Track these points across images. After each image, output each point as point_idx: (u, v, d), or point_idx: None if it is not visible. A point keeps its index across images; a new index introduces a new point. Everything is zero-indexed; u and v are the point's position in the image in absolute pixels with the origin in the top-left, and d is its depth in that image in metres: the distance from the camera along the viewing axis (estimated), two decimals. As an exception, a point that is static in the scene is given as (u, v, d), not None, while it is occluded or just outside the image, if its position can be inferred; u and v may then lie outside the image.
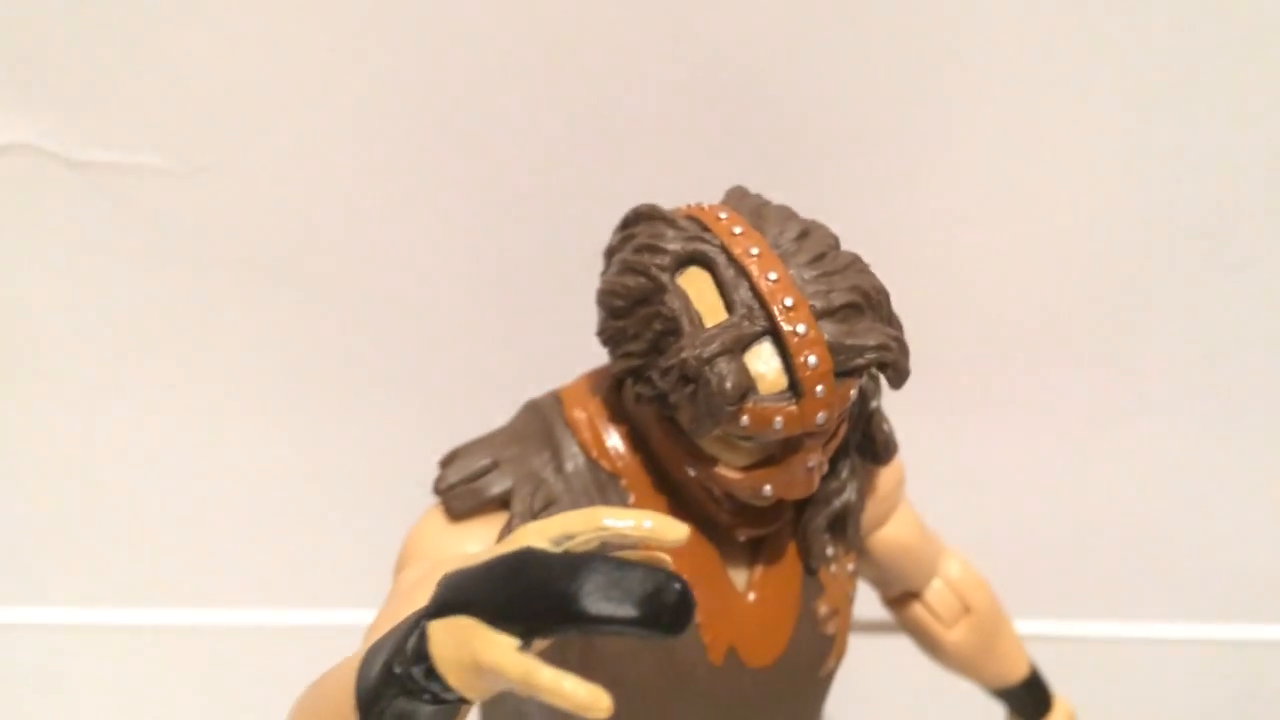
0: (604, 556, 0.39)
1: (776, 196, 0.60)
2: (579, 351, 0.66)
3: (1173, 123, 0.89)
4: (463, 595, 0.40)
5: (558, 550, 0.40)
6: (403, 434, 0.92)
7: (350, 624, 0.63)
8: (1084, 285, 0.94)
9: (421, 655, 0.41)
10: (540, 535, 0.41)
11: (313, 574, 0.95)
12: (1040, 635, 0.87)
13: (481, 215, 0.88)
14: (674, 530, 0.41)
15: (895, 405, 0.70)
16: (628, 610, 0.37)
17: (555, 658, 0.59)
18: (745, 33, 0.83)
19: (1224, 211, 0.92)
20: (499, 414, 0.65)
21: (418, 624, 0.42)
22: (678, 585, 0.38)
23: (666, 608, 0.38)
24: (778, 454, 0.56)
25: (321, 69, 0.83)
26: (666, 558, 0.43)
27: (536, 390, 0.65)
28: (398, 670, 0.42)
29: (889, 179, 0.90)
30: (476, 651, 0.39)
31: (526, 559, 0.40)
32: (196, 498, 0.96)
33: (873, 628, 0.84)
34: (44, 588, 0.98)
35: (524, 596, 0.39)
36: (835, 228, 0.58)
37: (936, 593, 0.77)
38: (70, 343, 0.91)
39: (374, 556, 0.67)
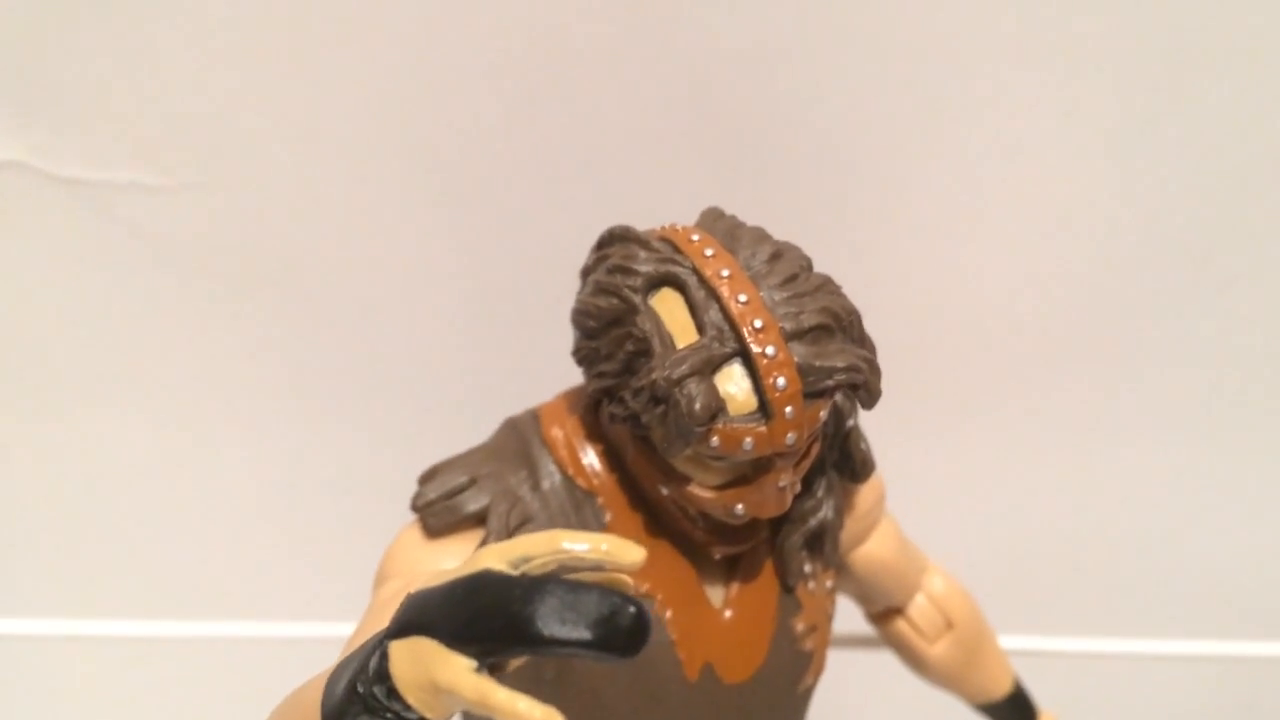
0: (560, 579, 0.39)
1: (761, 212, 0.60)
2: (559, 369, 0.67)
3: (1164, 137, 0.89)
4: (422, 616, 0.41)
5: (516, 573, 0.41)
6: (385, 449, 0.92)
7: (331, 636, 0.63)
8: (1071, 301, 0.94)
9: (383, 675, 0.41)
10: (499, 558, 0.41)
11: (294, 587, 0.96)
12: (1025, 650, 0.87)
13: (465, 233, 0.89)
14: (631, 553, 0.41)
15: (881, 419, 0.71)
16: (582, 633, 0.38)
17: (530, 675, 0.59)
18: (729, 50, 0.84)
19: (1214, 226, 0.92)
20: (480, 430, 0.65)
21: (380, 644, 0.42)
22: (633, 608, 0.38)
23: (621, 630, 0.38)
24: (749, 473, 0.57)
25: (308, 88, 0.84)
26: (628, 580, 0.43)
27: (517, 407, 0.66)
28: (360, 689, 0.42)
29: (876, 195, 0.90)
30: (433, 672, 0.39)
31: (484, 581, 0.40)
32: (178, 510, 0.98)
33: (856, 642, 0.84)
34: (27, 599, 0.99)
35: (481, 618, 0.39)
36: (821, 244, 0.59)
37: (919, 608, 0.77)
38: (60, 356, 0.92)
39: (356, 570, 0.67)
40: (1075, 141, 0.89)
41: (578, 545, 0.41)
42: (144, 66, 0.83)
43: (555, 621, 0.38)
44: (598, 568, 0.42)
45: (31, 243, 0.88)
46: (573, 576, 0.42)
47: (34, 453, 0.95)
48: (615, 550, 0.41)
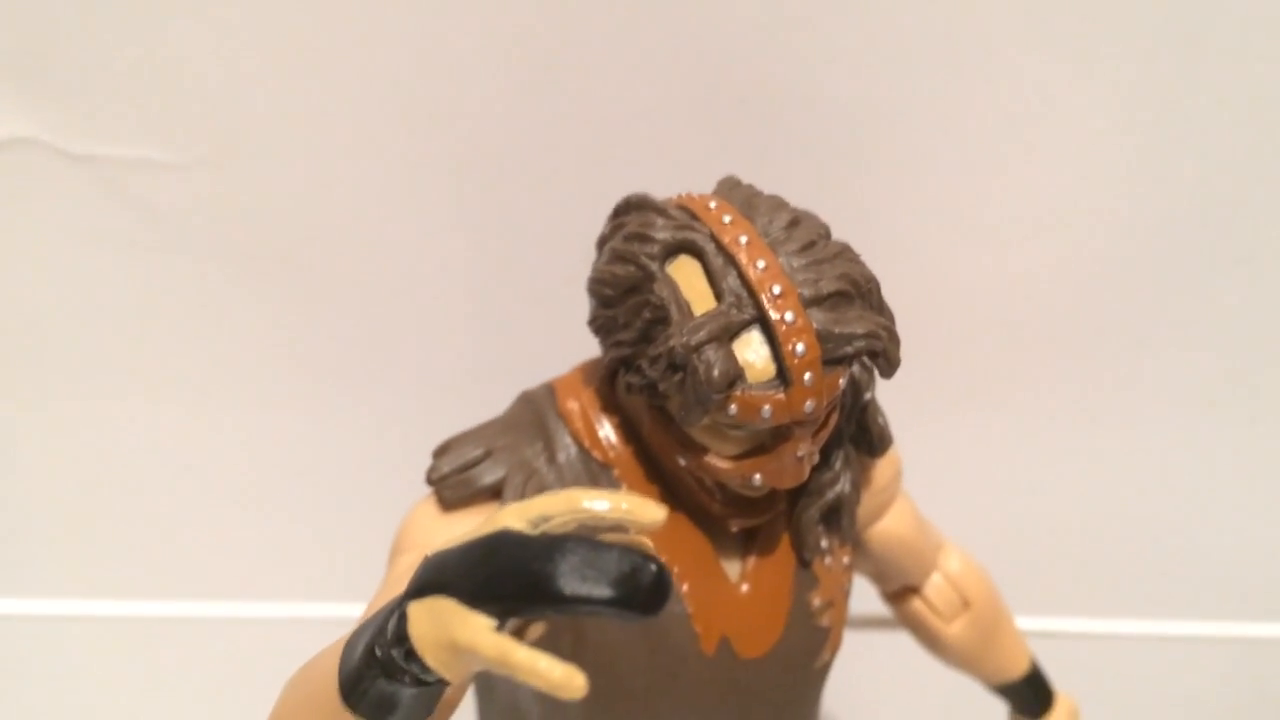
0: (580, 537, 0.39)
1: (773, 187, 0.60)
2: (574, 342, 0.66)
3: (1174, 118, 0.88)
4: (441, 576, 0.40)
5: (535, 532, 0.41)
6: (399, 424, 0.92)
7: (344, 616, 0.63)
8: (1087, 281, 0.94)
9: (401, 637, 0.41)
10: (518, 517, 0.41)
11: (307, 566, 0.96)
12: (1042, 631, 0.87)
13: (477, 206, 0.88)
14: (651, 512, 0.41)
15: (896, 399, 0.70)
16: (603, 590, 0.38)
17: (547, 646, 0.59)
18: (742, 21, 0.83)
19: (1226, 208, 0.92)
20: (495, 404, 0.65)
21: (398, 606, 0.42)
22: (654, 566, 0.38)
23: (641, 588, 0.38)
24: (767, 443, 0.56)
25: (319, 64, 0.84)
26: (647, 541, 0.43)
27: (532, 381, 0.66)
28: (378, 652, 0.42)
29: (890, 173, 0.90)
30: (453, 631, 0.39)
31: (503, 540, 0.40)
32: (192, 489, 0.97)
33: (872, 622, 0.83)
34: (36, 579, 0.99)
35: (500, 577, 0.39)
36: (835, 220, 0.58)
37: (935, 587, 0.77)
38: (70, 334, 0.92)
39: (370, 549, 0.67)
40: (1089, 124, 0.89)
41: (597, 504, 0.41)
42: (156, 42, 0.83)
43: (575, 579, 0.38)
44: (617, 527, 0.41)
45: (43, 219, 0.87)
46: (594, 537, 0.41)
47: (44, 431, 0.95)
48: (635, 509, 0.41)
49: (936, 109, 0.88)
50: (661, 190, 0.61)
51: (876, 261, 0.58)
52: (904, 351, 0.57)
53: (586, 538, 0.39)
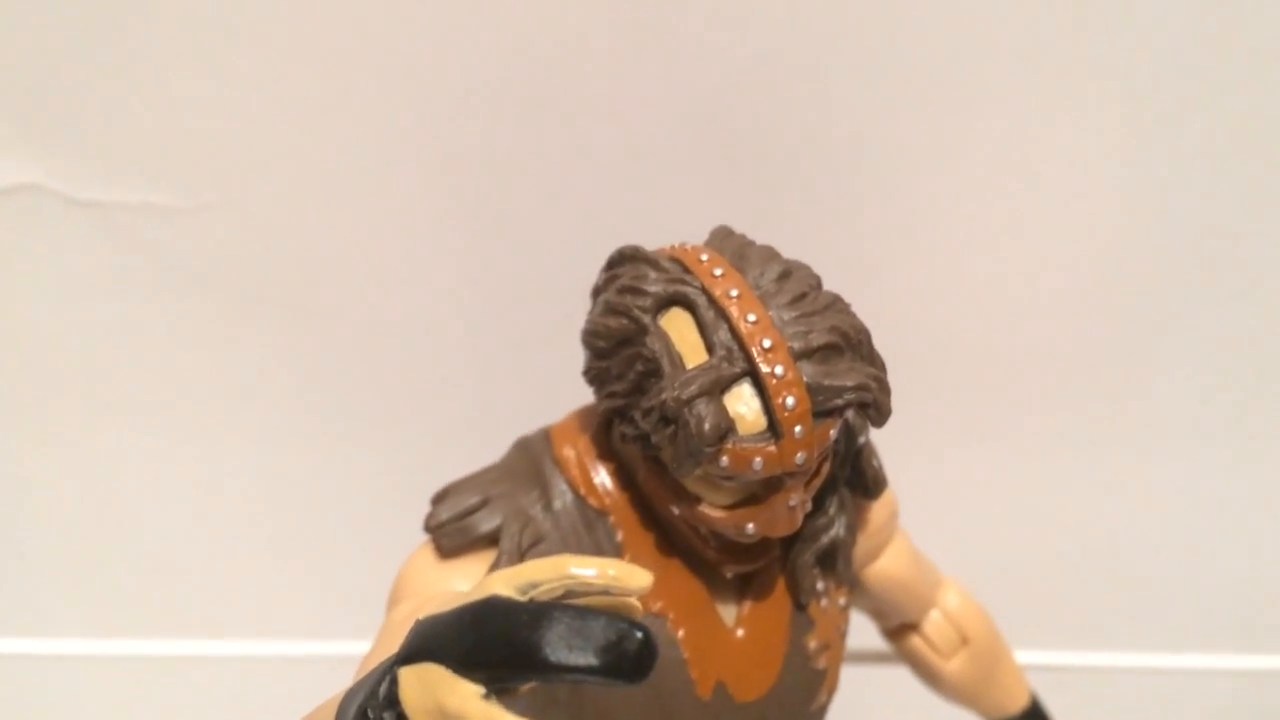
0: (567, 605, 0.40)
1: (770, 224, 0.60)
2: (571, 388, 0.67)
3: (1170, 150, 0.89)
4: (430, 642, 0.41)
5: (523, 599, 0.41)
6: (399, 467, 0.93)
7: (346, 655, 0.64)
8: (1083, 312, 0.94)
9: (392, 700, 0.41)
10: (507, 584, 0.41)
11: (308, 605, 0.97)
12: (1041, 665, 0.87)
13: (477, 252, 0.90)
14: (637, 578, 0.41)
15: (892, 435, 0.70)
16: (589, 659, 0.38)
17: (543, 697, 0.59)
18: (739, 63, 0.84)
19: (1225, 236, 0.92)
20: (493, 449, 0.65)
21: (389, 670, 0.43)
22: (639, 634, 0.38)
23: (628, 656, 0.38)
24: (760, 493, 0.57)
25: (320, 108, 0.85)
26: (636, 604, 0.43)
27: (529, 426, 0.66)
28: (370, 715, 0.42)
29: (886, 210, 0.91)
30: (441, 698, 0.39)
31: (492, 607, 0.40)
32: (194, 529, 0.98)
33: (872, 658, 0.83)
34: (41, 618, 1.00)
35: (488, 645, 0.39)
36: (827, 260, 0.59)
37: (934, 624, 0.77)
38: (77, 376, 0.93)
39: (370, 588, 0.68)
40: (1084, 157, 0.89)
41: (585, 570, 0.41)
42: (160, 89, 0.84)
43: (562, 648, 0.38)
44: (605, 592, 0.42)
45: (49, 263, 0.89)
46: (580, 602, 0.42)
47: (51, 472, 0.96)
48: (622, 575, 0.41)
49: (932, 146, 0.88)
50: (659, 232, 0.62)
51: (873, 298, 0.58)
52: (901, 385, 0.58)
53: (573, 605, 0.40)
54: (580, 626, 0.38)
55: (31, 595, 0.99)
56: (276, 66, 0.84)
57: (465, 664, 0.40)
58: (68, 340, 0.91)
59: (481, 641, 0.40)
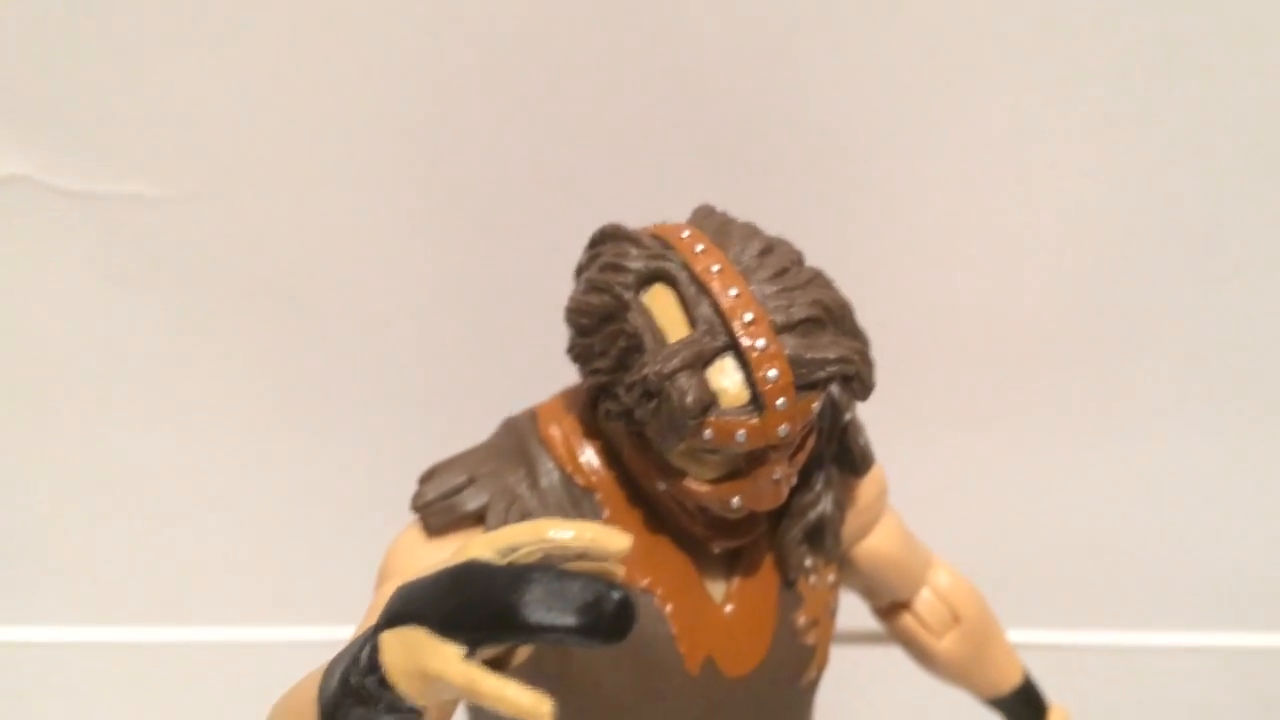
0: (546, 567, 0.40)
1: (757, 209, 0.61)
2: (556, 369, 0.67)
3: (1157, 137, 0.89)
4: (411, 606, 0.42)
5: (503, 562, 0.42)
6: (387, 451, 0.94)
7: (335, 639, 0.64)
8: (1073, 295, 0.95)
9: (374, 665, 0.42)
10: (487, 547, 0.42)
11: (297, 590, 0.97)
12: (1035, 644, 0.87)
13: (461, 237, 0.90)
14: (615, 541, 0.42)
15: (885, 417, 0.71)
16: (567, 619, 0.39)
17: (531, 670, 0.59)
18: (724, 47, 0.85)
19: (1217, 222, 0.92)
20: (480, 432, 0.66)
21: (372, 636, 0.43)
22: (615, 594, 0.39)
23: (605, 616, 0.39)
24: (744, 467, 0.57)
25: (306, 98, 0.86)
26: (616, 569, 0.44)
27: (516, 408, 0.67)
28: (353, 681, 0.43)
29: (876, 193, 0.91)
30: (423, 660, 0.40)
31: (471, 571, 0.41)
32: (182, 517, 0.99)
33: (863, 638, 0.84)
34: (33, 606, 1.00)
35: (468, 607, 0.40)
36: (821, 243, 0.59)
37: (925, 603, 0.77)
38: (68, 366, 0.94)
39: (359, 572, 0.68)
40: (1076, 140, 0.89)
41: (563, 533, 0.42)
42: (146, 80, 0.84)
43: (540, 608, 0.39)
44: (584, 556, 0.42)
45: (37, 255, 0.89)
46: (561, 567, 0.42)
47: (42, 462, 0.96)
48: (600, 537, 0.42)
49: (922, 127, 0.89)
50: (644, 215, 0.62)
51: (862, 282, 0.59)
52: (893, 369, 0.59)
53: (553, 567, 0.40)
54: (558, 588, 0.39)
55: (26, 582, 1.00)
56: (264, 58, 0.85)
57: (446, 626, 0.40)
58: (59, 330, 0.92)
59: (462, 604, 0.40)
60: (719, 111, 0.86)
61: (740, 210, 0.61)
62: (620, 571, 0.44)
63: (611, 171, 0.87)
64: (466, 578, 0.41)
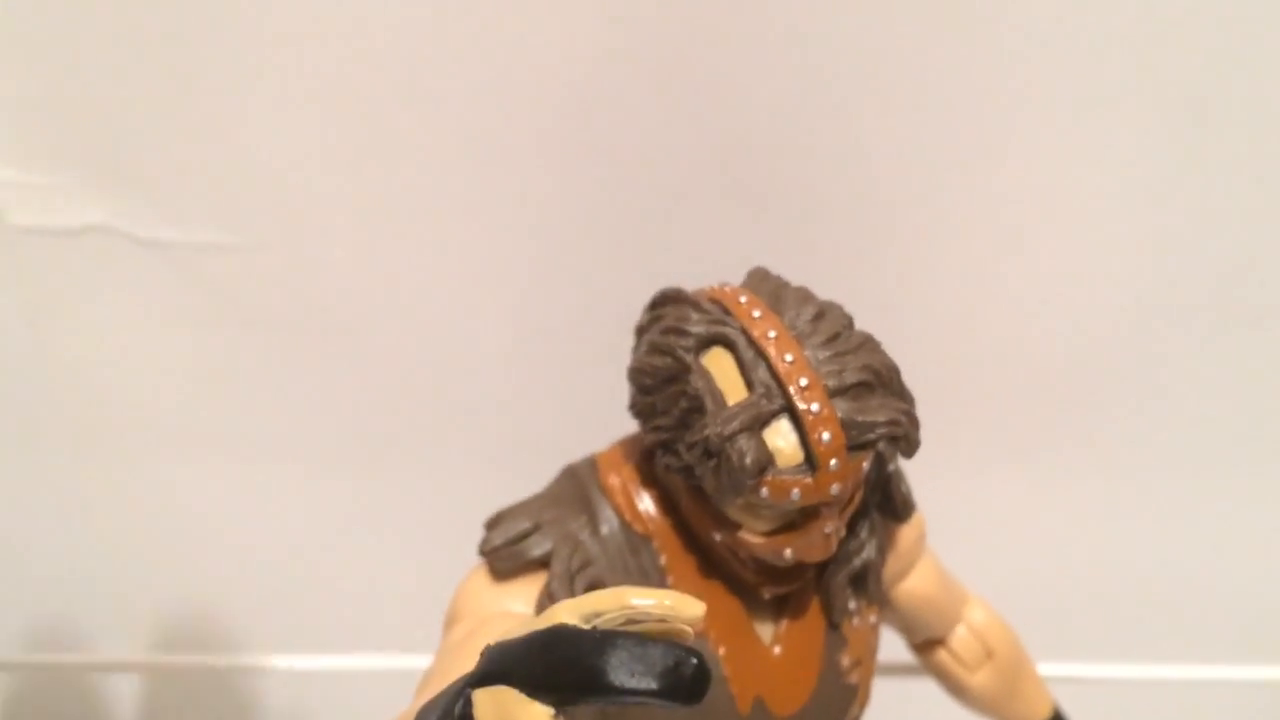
0: (628, 633, 0.43)
1: (805, 253, 0.64)
2: (614, 418, 0.70)
3: (1194, 177, 0.91)
4: (503, 666, 0.45)
5: (587, 626, 0.45)
6: (449, 493, 0.96)
7: (407, 668, 0.67)
8: (1109, 332, 0.97)
9: (466, 718, 0.45)
10: (572, 613, 0.45)
11: (367, 621, 1.00)
12: (1064, 677, 0.89)
13: (525, 287, 0.93)
14: (691, 608, 0.45)
15: (919, 456, 0.73)
16: (649, 683, 0.42)
17: (593, 714, 0.63)
18: (769, 107, 0.87)
19: (1247, 262, 0.94)
20: (541, 474, 0.69)
21: (463, 690, 0.46)
22: (694, 660, 0.42)
23: (684, 680, 0.42)
24: (797, 520, 0.61)
25: (376, 148, 0.89)
26: (689, 631, 0.47)
27: (575, 453, 0.70)
28: None
29: (912, 228, 0.93)
30: (514, 717, 0.43)
31: (559, 635, 0.44)
32: (258, 553, 1.02)
33: (900, 671, 0.86)
34: (108, 642, 1.04)
35: (557, 669, 0.43)
36: (866, 282, 0.62)
37: (960, 639, 0.80)
38: (145, 409, 0.97)
39: (417, 606, 0.71)
40: (1111, 182, 0.91)
41: (644, 601, 0.45)
42: (218, 130, 0.88)
43: (625, 673, 0.42)
44: (660, 621, 0.45)
45: (118, 302, 0.93)
46: (637, 629, 0.46)
47: (119, 504, 1.00)
48: (678, 605, 0.45)
49: (960, 171, 0.91)
50: (696, 266, 0.65)
51: (903, 321, 0.61)
52: (928, 406, 0.61)
53: (633, 633, 0.43)
54: (641, 653, 0.42)
55: (100, 618, 1.03)
56: (333, 108, 0.88)
57: (535, 686, 0.43)
58: (136, 376, 0.95)
59: (551, 666, 0.43)
60: (769, 168, 0.89)
61: (786, 248, 0.64)
62: (690, 634, 0.47)
63: (667, 222, 0.90)
64: (555, 642, 0.44)
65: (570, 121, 0.88)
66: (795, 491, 0.57)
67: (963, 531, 0.82)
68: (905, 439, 0.59)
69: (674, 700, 0.42)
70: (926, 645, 0.81)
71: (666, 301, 0.63)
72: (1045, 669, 0.84)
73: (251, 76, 0.86)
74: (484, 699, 0.45)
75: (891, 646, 0.81)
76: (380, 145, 0.89)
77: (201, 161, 0.89)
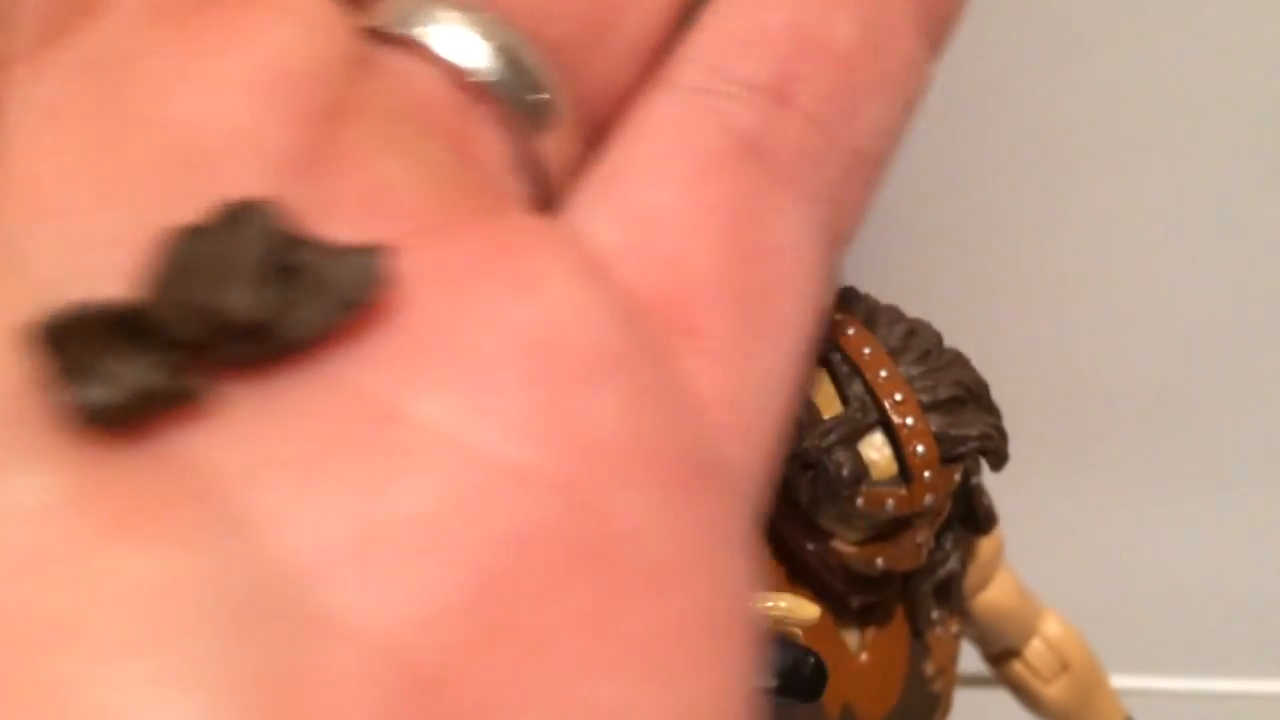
0: None
1: (879, 266, 0.65)
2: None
3: (1269, 182, 0.90)
4: None
5: None
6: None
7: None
8: (1181, 350, 0.97)
9: None
10: None
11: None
12: (1137, 690, 0.91)
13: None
14: (807, 610, 0.47)
15: (995, 475, 0.75)
16: (769, 681, 0.44)
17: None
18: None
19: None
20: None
21: None
22: (812, 659, 0.45)
23: (804, 679, 0.44)
24: (889, 530, 0.63)
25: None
26: (798, 632, 0.49)
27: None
28: None
29: (990, 247, 0.94)
30: None
31: None
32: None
33: (977, 681, 0.88)
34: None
35: None
36: (941, 294, 0.63)
37: (1036, 651, 0.81)
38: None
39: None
40: (1204, 189, 0.91)
41: (760, 604, 0.47)
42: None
43: None
44: (777, 623, 0.48)
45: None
46: None
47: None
48: (793, 607, 0.47)
49: (1036, 182, 0.91)
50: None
51: (984, 336, 0.63)
52: (1009, 423, 0.64)
53: None
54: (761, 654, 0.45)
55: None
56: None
57: None
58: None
59: None
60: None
61: (867, 266, 0.66)
62: (800, 636, 0.49)
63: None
64: None
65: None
66: (890, 502, 0.60)
67: (1036, 546, 0.83)
68: (995, 452, 0.62)
69: (793, 698, 0.44)
70: (1002, 657, 0.82)
71: (762, 320, 0.65)
72: (1117, 681, 0.85)
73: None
74: None
75: (968, 658, 0.82)
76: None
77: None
